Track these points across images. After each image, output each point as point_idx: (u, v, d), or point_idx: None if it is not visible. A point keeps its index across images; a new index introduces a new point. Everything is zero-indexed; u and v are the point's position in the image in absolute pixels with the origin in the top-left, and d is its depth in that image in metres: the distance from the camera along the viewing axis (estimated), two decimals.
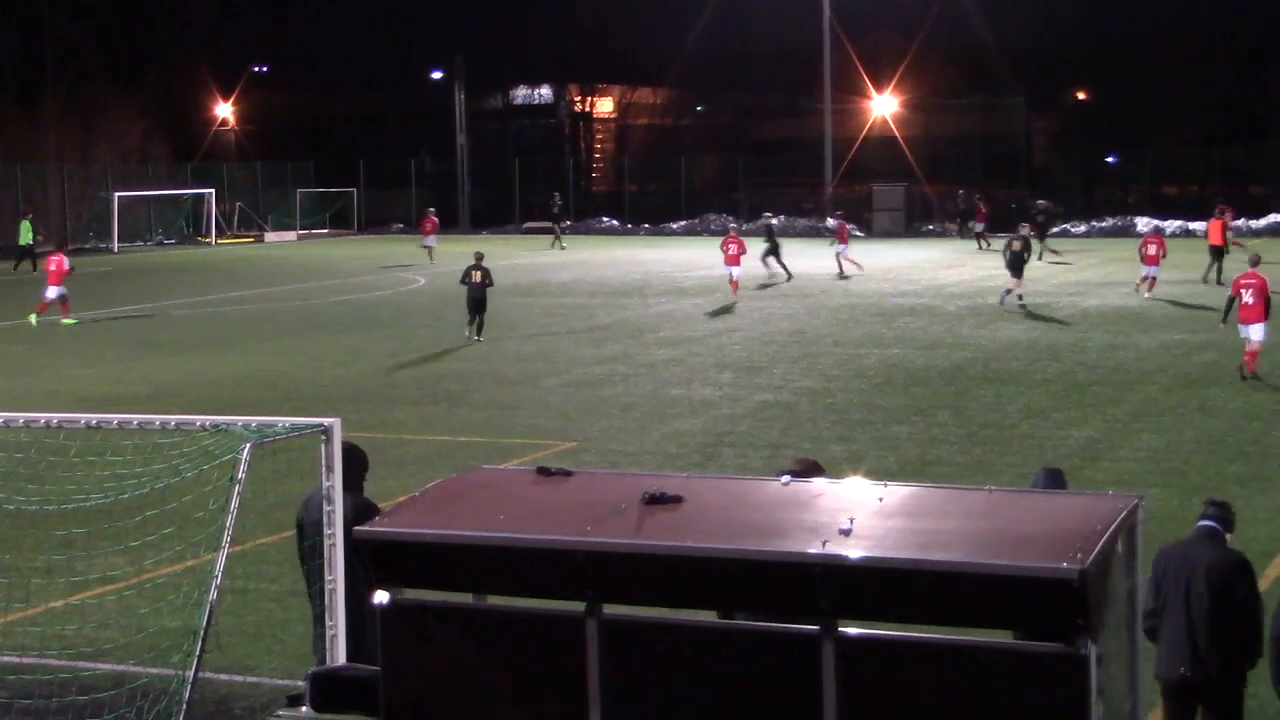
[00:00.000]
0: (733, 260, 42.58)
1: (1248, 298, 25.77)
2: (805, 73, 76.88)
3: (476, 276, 33.01)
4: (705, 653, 6.62)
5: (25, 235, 56.38)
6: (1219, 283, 39.44)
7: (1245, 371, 25.59)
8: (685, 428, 22.24)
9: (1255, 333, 25.65)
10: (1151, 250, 39.95)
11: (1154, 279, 39.49)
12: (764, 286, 43.17)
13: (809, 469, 10.14)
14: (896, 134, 77.75)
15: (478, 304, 32.87)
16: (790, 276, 45.68)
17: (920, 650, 6.28)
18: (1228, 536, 9.47)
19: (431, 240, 56.58)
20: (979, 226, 61.61)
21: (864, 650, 6.29)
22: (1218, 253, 42.07)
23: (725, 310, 38.36)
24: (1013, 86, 78.19)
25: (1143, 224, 67.98)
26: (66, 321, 37.03)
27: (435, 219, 58.26)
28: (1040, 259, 51.84)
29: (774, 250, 46.91)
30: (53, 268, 37.78)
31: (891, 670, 6.26)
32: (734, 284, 42.35)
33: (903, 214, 71.30)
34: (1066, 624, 5.93)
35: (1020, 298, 37.74)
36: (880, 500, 6.97)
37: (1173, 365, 27.43)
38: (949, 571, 6.13)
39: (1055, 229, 60.02)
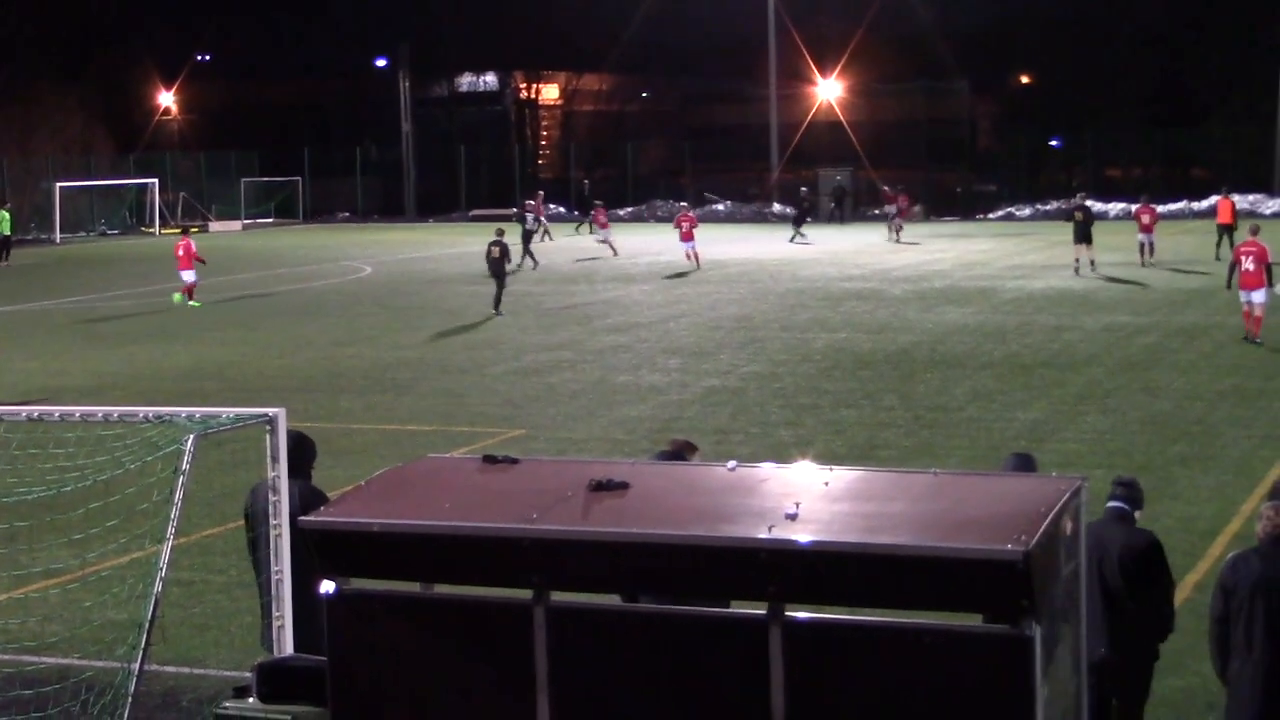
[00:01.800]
0: (687, 236, 45.89)
1: (1248, 264, 27.42)
2: (750, 58, 76.99)
3: (495, 252, 35.35)
4: (653, 638, 6.62)
5: (3, 225, 56.51)
6: (1217, 259, 41.00)
7: (1250, 336, 27.34)
8: (633, 414, 22.25)
9: (1257, 297, 27.32)
10: (1145, 219, 43.07)
11: (1152, 245, 42.80)
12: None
13: (682, 448, 10.19)
14: (841, 119, 77.97)
15: (498, 278, 35.11)
16: (520, 267, 45.33)
17: (867, 633, 6.30)
18: (1137, 515, 9.51)
19: (606, 233, 53.72)
20: (893, 212, 63.06)
21: (811, 634, 6.31)
22: (1226, 230, 43.75)
23: (682, 278, 38.38)
24: (956, 70, 78.51)
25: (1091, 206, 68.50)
26: (193, 304, 38.51)
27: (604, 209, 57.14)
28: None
29: (527, 237, 48.00)
30: (181, 253, 39.24)
31: (839, 653, 6.28)
32: (693, 256, 45.69)
33: (848, 198, 71.58)
34: (1011, 605, 5.96)
35: (1093, 264, 40.72)
36: (826, 484, 6.98)
37: (1117, 347, 27.63)
38: (894, 555, 6.15)
39: (916, 211, 61.63)
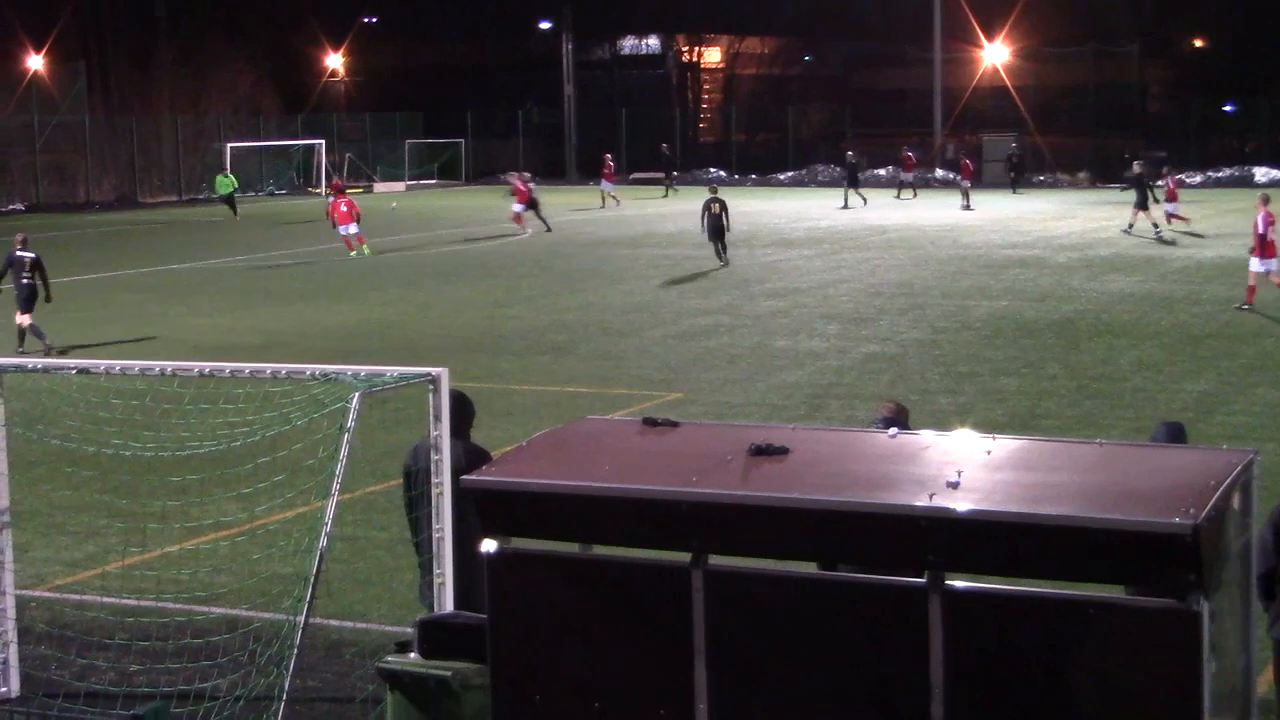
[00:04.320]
0: (523, 199, 47.97)
1: None
2: (915, 22, 76.01)
3: (715, 209, 37.60)
4: (811, 604, 6.61)
5: (224, 187, 60.27)
6: None
7: None
8: (791, 379, 22.18)
9: None
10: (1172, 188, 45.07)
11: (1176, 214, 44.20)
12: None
13: (898, 411, 10.09)
14: (1007, 83, 76.71)
15: (716, 232, 37.52)
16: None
17: (1029, 604, 6.23)
18: None
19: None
20: (908, 177, 64.92)
21: (971, 603, 6.25)
22: None
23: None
24: (1127, 34, 76.78)
25: (1261, 174, 66.66)
26: (359, 251, 41.73)
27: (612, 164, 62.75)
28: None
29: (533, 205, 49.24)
30: (344, 209, 42.22)
31: (999, 624, 6.22)
32: (519, 220, 47.85)
33: (1004, 164, 70.44)
34: (1179, 579, 5.86)
35: (1131, 226, 43.48)
36: (988, 453, 6.91)
37: None
38: (1058, 525, 6.07)
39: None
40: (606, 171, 61.89)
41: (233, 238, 49.28)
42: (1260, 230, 28.16)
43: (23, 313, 26.09)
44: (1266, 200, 28.75)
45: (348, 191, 46.41)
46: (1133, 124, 75.29)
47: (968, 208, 55.23)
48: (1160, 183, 44.99)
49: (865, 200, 57.74)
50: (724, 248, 37.71)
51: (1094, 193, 64.71)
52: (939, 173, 71.69)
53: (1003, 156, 69.18)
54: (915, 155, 67.10)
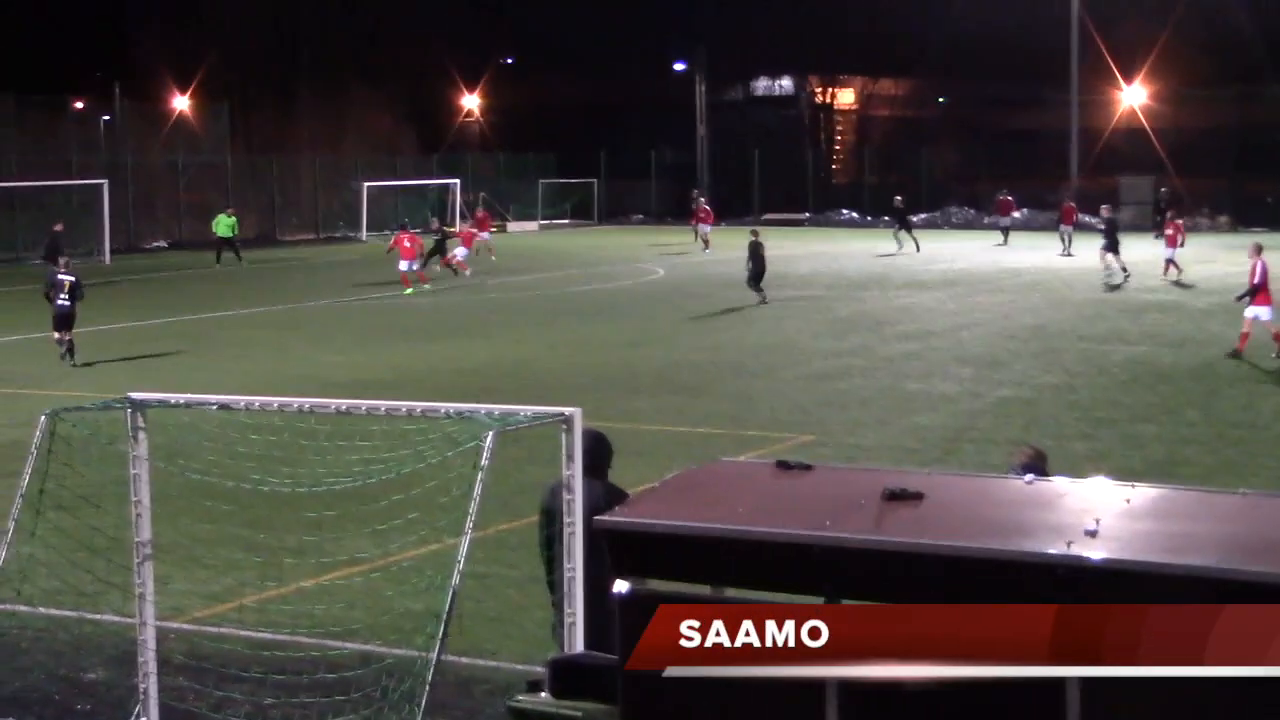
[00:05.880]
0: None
1: None
2: (1051, 63, 75.29)
3: (760, 251, 39.14)
4: None
5: (220, 228, 56.43)
6: None
7: None
8: (924, 422, 22.01)
9: None
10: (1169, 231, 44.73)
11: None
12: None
13: (1037, 457, 9.98)
14: (1145, 125, 75.69)
15: (759, 273, 38.93)
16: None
17: None
18: None
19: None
20: (1005, 221, 63.38)
21: None
22: None
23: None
24: (1271, 74, 75.48)
25: None
26: (408, 291, 42.52)
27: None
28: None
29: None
30: (407, 244, 43.54)
31: (1142, 693, 6.09)
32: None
33: (1150, 207, 69.45)
34: None
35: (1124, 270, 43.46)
36: (1128, 501, 6.80)
37: None
38: (1200, 576, 5.95)
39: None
40: (702, 214, 60.42)
41: (365, 275, 49.95)
42: (1257, 279, 27.95)
43: (58, 330, 28.45)
44: (1260, 250, 28.70)
45: (408, 228, 48.21)
46: (1275, 166, 73.92)
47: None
48: (1161, 231, 44.46)
49: (904, 245, 56.10)
50: (760, 288, 38.70)
51: (1235, 236, 63.60)
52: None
53: (1143, 200, 68.28)
54: (1014, 199, 65.74)
